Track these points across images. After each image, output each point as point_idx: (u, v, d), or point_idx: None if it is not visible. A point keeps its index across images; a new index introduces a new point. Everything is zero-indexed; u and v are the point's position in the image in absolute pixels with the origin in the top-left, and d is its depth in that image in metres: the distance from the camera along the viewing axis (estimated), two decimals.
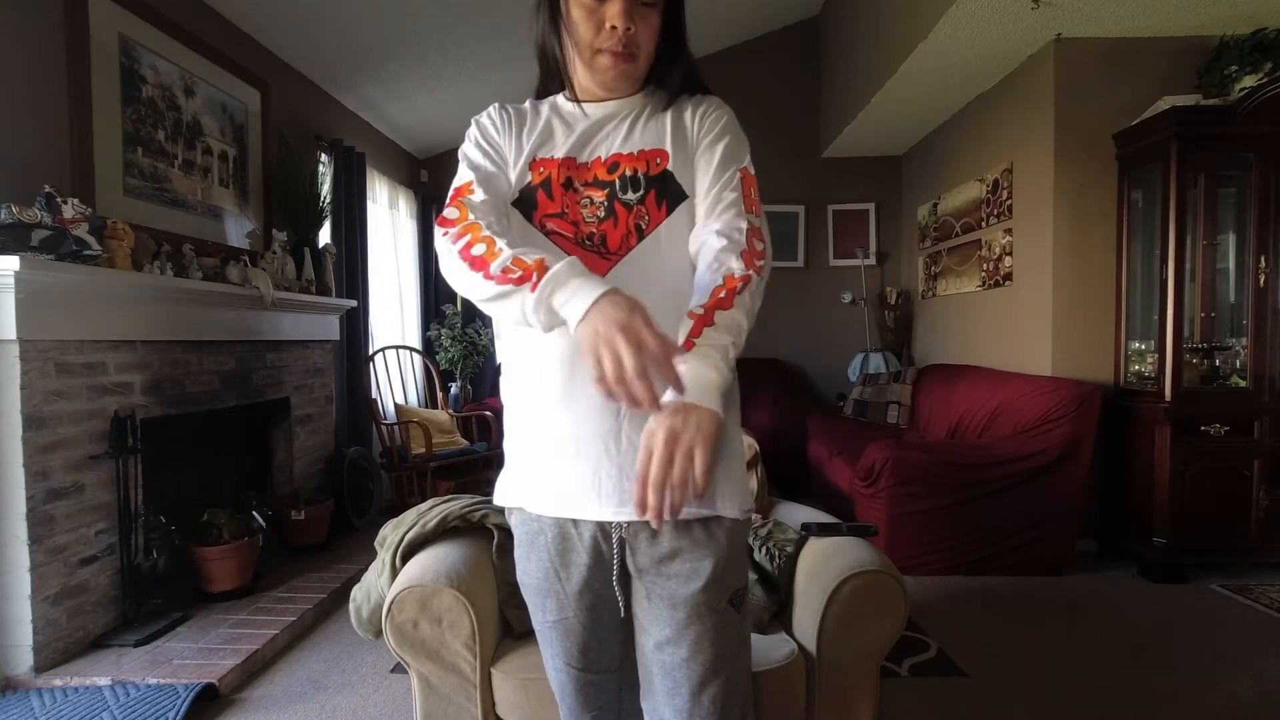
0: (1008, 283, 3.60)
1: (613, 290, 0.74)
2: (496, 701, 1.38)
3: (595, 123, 0.95)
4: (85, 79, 2.32)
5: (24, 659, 2.00)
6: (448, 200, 0.92)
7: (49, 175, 2.18)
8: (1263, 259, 2.79)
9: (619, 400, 0.71)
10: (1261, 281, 2.80)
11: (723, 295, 0.81)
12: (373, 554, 1.58)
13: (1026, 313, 3.44)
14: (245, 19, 3.12)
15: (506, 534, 1.54)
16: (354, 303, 3.79)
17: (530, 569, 0.97)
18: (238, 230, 3.13)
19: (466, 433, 4.20)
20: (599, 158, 0.93)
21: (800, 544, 1.59)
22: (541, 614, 0.98)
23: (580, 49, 0.91)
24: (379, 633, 1.40)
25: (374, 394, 3.94)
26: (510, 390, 0.96)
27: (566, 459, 0.88)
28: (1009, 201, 3.55)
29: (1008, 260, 3.59)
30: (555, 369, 0.87)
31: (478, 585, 1.40)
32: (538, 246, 0.87)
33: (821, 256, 5.09)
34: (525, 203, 0.93)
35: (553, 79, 1.00)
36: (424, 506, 1.60)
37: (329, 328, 3.59)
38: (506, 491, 0.98)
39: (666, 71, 0.97)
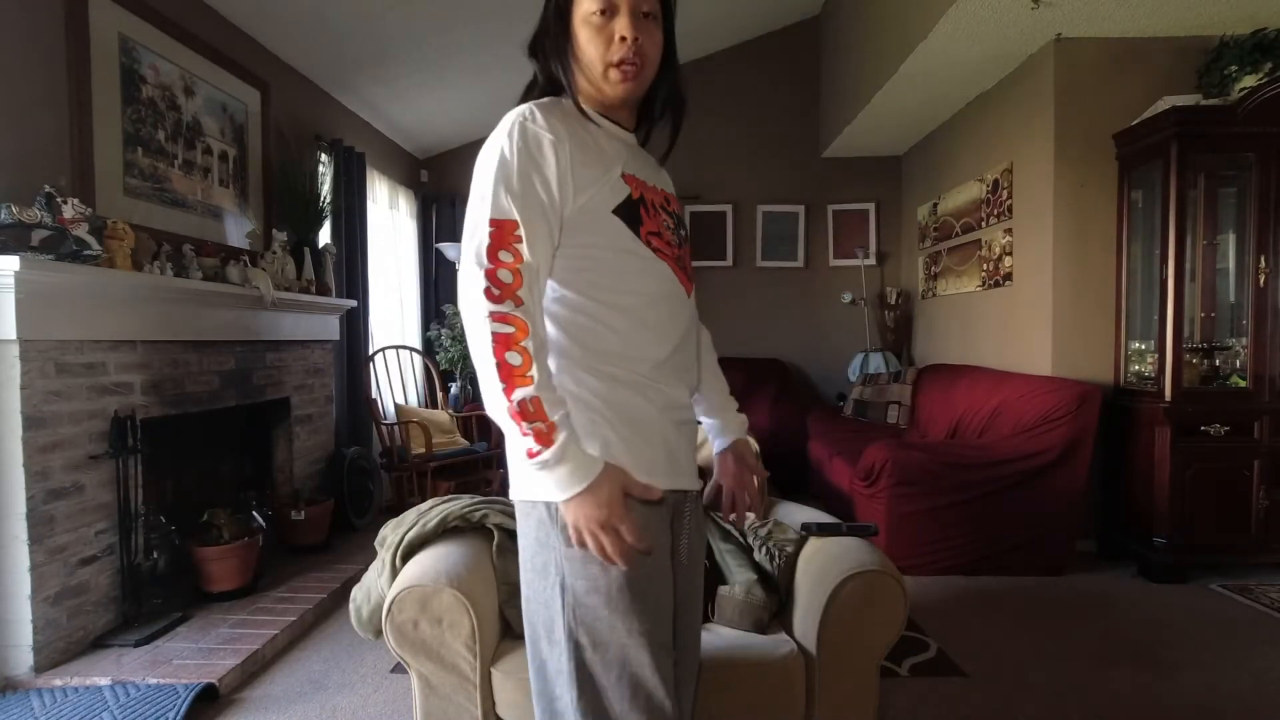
0: (1008, 283, 3.60)
1: (595, 484, 0.85)
2: (496, 701, 1.38)
3: (635, 150, 1.03)
4: (85, 79, 2.32)
5: (24, 659, 2.00)
6: (491, 241, 0.86)
7: (49, 175, 2.18)
8: (1263, 259, 2.79)
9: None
10: (1261, 281, 2.80)
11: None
12: (373, 554, 1.58)
13: (1026, 313, 3.44)
14: (245, 19, 3.12)
15: (506, 534, 1.54)
16: (354, 303, 3.79)
17: (659, 553, 0.94)
18: (238, 230, 3.13)
19: (466, 433, 4.20)
20: (656, 185, 1.02)
21: (800, 544, 1.59)
22: (662, 601, 0.94)
23: (590, 68, 0.94)
24: (379, 633, 1.40)
25: (374, 394, 3.94)
26: (613, 379, 0.93)
27: (670, 435, 0.97)
28: (1009, 201, 3.55)
29: (1008, 260, 3.59)
30: (669, 360, 0.97)
31: (478, 585, 1.40)
32: (648, 261, 0.96)
33: (821, 256, 5.09)
34: (630, 215, 0.95)
35: (558, 92, 1.00)
36: (424, 506, 1.60)
37: (329, 328, 3.59)
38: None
39: (657, 91, 1.02)
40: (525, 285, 0.86)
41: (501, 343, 0.83)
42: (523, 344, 0.83)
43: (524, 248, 0.87)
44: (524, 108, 0.93)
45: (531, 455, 0.83)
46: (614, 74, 0.93)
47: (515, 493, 0.96)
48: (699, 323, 1.12)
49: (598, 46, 0.92)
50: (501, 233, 0.87)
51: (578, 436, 0.86)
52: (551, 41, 0.98)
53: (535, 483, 0.88)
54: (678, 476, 0.98)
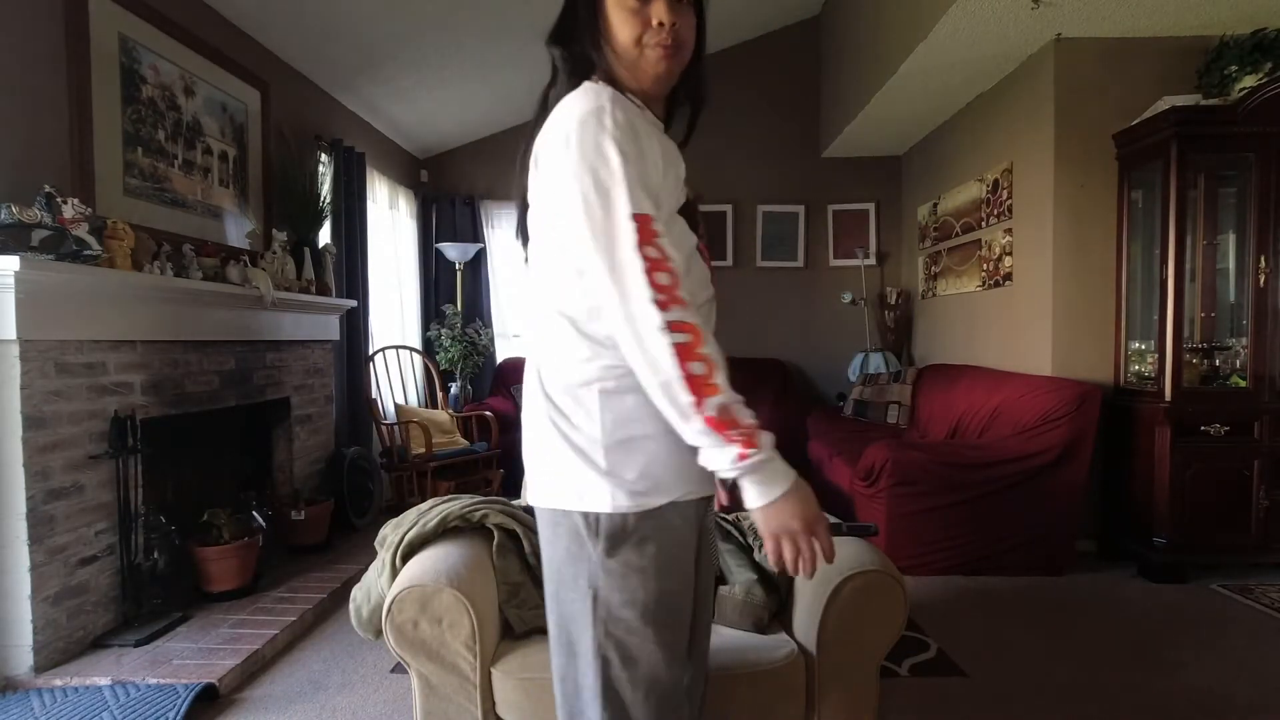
0: (1008, 283, 3.60)
1: (797, 483, 0.82)
2: (496, 701, 1.38)
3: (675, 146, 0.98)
4: (85, 79, 2.32)
5: (24, 659, 2.00)
6: (639, 238, 0.80)
7: (49, 175, 2.18)
8: (1263, 259, 2.79)
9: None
10: (1261, 281, 2.79)
11: None
12: (373, 554, 1.58)
13: (1026, 313, 3.44)
14: (246, 19, 3.12)
15: (506, 534, 1.54)
16: (354, 303, 3.79)
17: (692, 566, 0.94)
18: (238, 230, 3.12)
19: (466, 433, 4.20)
20: (689, 184, 0.99)
21: None
22: (687, 611, 0.94)
23: (626, 51, 0.90)
24: (379, 633, 1.40)
25: (374, 394, 3.94)
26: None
27: None
28: (1009, 201, 3.55)
29: (1008, 260, 3.59)
30: None
31: (478, 585, 1.40)
32: (698, 262, 0.94)
33: (821, 256, 5.09)
34: (691, 217, 0.93)
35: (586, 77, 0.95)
36: (424, 506, 1.60)
37: (329, 328, 3.59)
38: (668, 485, 0.88)
39: (685, 80, 0.98)
40: (681, 284, 0.80)
41: (682, 353, 0.77)
42: (701, 350, 0.78)
43: (666, 244, 0.81)
44: (600, 95, 0.86)
45: (742, 459, 0.78)
46: (652, 53, 0.89)
47: (542, 500, 0.92)
48: None
49: (633, 29, 0.89)
50: (645, 229, 0.80)
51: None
52: (581, 26, 0.93)
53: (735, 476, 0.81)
54: (705, 483, 0.94)
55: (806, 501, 0.82)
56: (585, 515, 0.87)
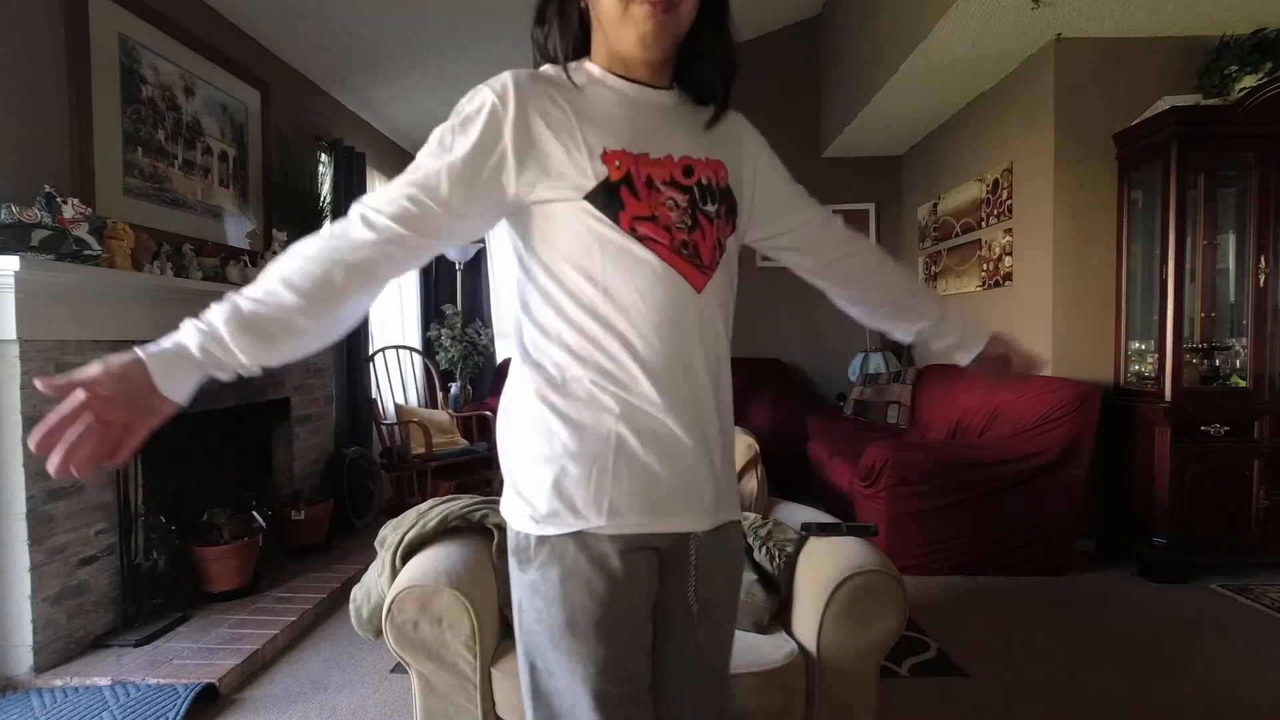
0: (1008, 283, 3.60)
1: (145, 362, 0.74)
2: (496, 701, 1.38)
3: (657, 112, 0.90)
4: (85, 79, 2.32)
5: (24, 659, 2.00)
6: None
7: (49, 175, 2.18)
8: (1263, 259, 2.79)
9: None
10: (1261, 281, 2.79)
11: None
12: (373, 554, 1.58)
13: (1026, 313, 3.44)
14: (245, 19, 3.12)
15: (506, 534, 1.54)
16: None
17: (619, 601, 0.82)
18: (238, 230, 3.13)
19: (466, 433, 4.20)
20: (670, 155, 0.87)
21: (800, 544, 1.59)
22: (606, 648, 0.82)
23: (609, 13, 0.83)
24: (379, 633, 1.40)
25: (374, 394, 3.94)
26: (576, 399, 0.83)
27: (654, 471, 0.83)
28: (1009, 201, 3.55)
29: (1008, 260, 3.59)
30: (656, 377, 0.83)
31: (478, 585, 1.40)
32: (629, 254, 0.82)
33: None
34: (608, 201, 0.81)
35: (577, 46, 0.90)
36: (424, 506, 1.60)
37: None
38: (568, 515, 0.81)
39: (703, 43, 0.94)
40: (350, 225, 0.82)
41: (280, 259, 0.83)
42: (273, 265, 0.81)
43: (383, 198, 0.83)
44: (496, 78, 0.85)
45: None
46: (638, 9, 0.81)
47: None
48: (851, 262, 1.09)
49: None
50: (396, 181, 0.84)
51: (190, 341, 0.79)
52: (558, 2, 0.88)
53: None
54: (666, 517, 0.84)
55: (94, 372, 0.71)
56: (514, 530, 0.88)
